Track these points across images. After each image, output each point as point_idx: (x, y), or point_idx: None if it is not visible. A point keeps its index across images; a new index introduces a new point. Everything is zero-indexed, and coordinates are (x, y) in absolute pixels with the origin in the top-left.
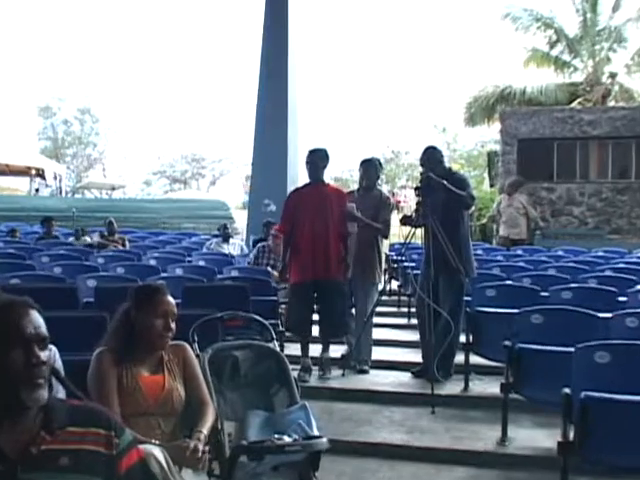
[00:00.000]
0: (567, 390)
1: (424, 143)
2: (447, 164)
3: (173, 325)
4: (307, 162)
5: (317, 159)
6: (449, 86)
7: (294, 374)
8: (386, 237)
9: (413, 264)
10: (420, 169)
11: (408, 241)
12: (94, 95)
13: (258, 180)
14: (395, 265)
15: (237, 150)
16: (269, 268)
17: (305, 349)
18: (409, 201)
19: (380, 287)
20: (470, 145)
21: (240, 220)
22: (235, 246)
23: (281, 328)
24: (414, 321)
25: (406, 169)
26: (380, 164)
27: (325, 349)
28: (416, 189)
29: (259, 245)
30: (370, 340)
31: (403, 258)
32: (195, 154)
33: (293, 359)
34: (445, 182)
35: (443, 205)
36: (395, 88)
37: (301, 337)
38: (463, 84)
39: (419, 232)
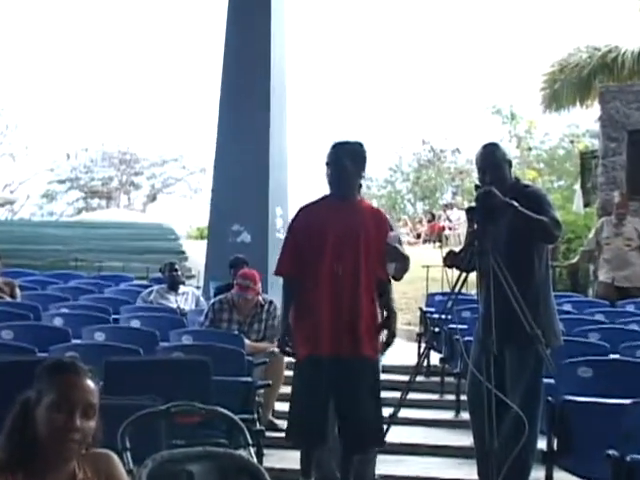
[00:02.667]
0: None
1: (481, 138)
2: (515, 171)
3: (90, 423)
4: (328, 162)
5: (344, 157)
6: (519, 51)
7: None
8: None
9: (464, 327)
10: (475, 178)
11: (457, 291)
12: None
13: (223, 195)
14: (436, 328)
15: (190, 148)
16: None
17: (308, 463)
18: (458, 228)
19: (382, 361)
20: (553, 140)
21: (196, 256)
22: (187, 297)
23: (259, 426)
24: (466, 416)
25: (453, 178)
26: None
27: (345, 475)
28: (469, 211)
29: (214, 301)
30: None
31: (449, 317)
32: (125, 152)
33: (277, 474)
34: (515, 202)
35: (511, 237)
36: (437, 56)
37: (308, 448)
38: (541, 47)
39: (473, 277)
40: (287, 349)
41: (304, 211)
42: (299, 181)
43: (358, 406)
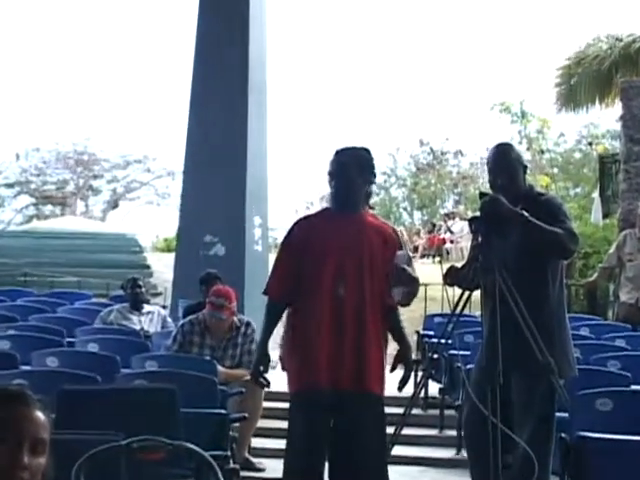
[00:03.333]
0: None
1: (487, 139)
2: (527, 177)
3: (40, 460)
4: (331, 173)
5: (351, 168)
6: (531, 41)
7: None
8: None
9: (467, 353)
10: (481, 185)
11: (459, 312)
12: None
13: (194, 201)
14: (434, 355)
15: (156, 148)
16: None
17: None
18: (460, 241)
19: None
20: (569, 142)
21: (162, 271)
22: (153, 317)
23: (233, 465)
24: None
25: (455, 184)
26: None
27: None
28: (472, 222)
29: (183, 322)
30: None
31: (449, 342)
32: (82, 153)
33: None
34: (524, 212)
35: (520, 251)
36: (437, 47)
37: None
38: (555, 37)
39: (477, 296)
40: (261, 380)
41: (300, 225)
42: (281, 188)
43: (357, 448)
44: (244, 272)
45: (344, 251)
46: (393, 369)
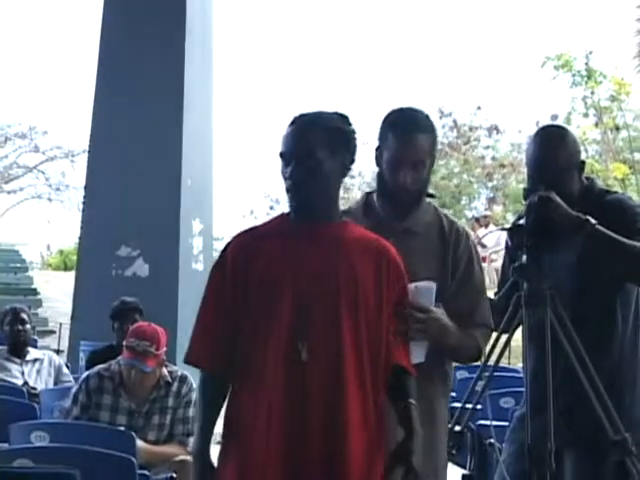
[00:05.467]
0: None
1: (536, 110)
2: (592, 164)
3: None
4: (283, 154)
5: (317, 145)
6: None
7: None
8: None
9: (505, 423)
10: (526, 174)
11: (493, 364)
12: None
13: (103, 196)
14: (457, 426)
15: (48, 117)
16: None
17: None
18: (497, 259)
19: None
20: None
21: (56, 298)
22: (42, 367)
23: None
24: None
25: (489, 174)
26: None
27: None
28: (512, 231)
29: (88, 374)
30: None
31: (478, 407)
32: None
33: None
34: (589, 217)
35: (580, 275)
36: None
37: None
38: None
39: (518, 341)
40: None
41: (241, 244)
42: (234, 178)
43: None
44: (177, 301)
45: (308, 287)
46: (387, 474)
